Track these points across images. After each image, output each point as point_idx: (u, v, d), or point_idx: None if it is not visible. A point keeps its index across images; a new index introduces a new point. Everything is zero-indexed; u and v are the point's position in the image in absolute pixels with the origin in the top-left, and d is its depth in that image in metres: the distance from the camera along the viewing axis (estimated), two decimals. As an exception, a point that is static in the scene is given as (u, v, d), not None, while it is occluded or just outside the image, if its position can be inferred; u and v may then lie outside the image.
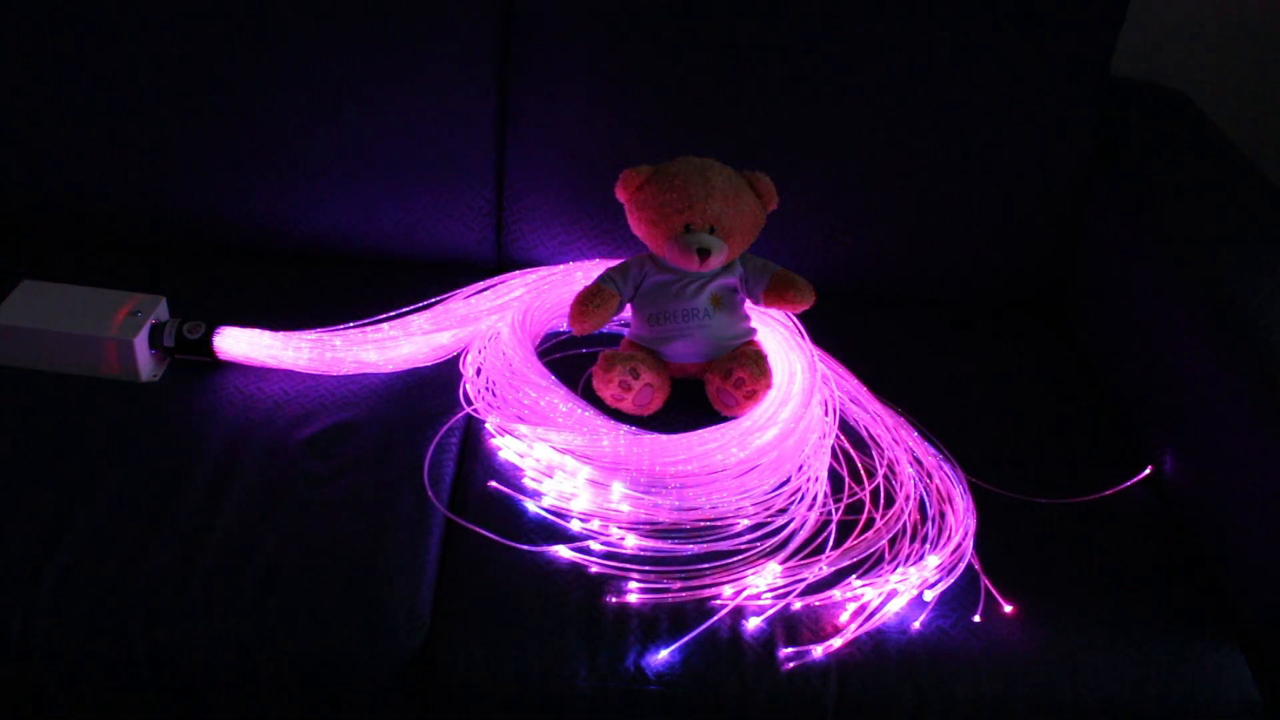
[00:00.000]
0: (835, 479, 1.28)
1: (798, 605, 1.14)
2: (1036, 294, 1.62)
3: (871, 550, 1.20)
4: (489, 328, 1.43)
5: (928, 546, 1.21)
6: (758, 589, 1.14)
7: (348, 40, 1.44)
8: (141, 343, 1.32)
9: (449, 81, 1.47)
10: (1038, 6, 1.46)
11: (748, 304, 1.39)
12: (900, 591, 1.15)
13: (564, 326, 1.45)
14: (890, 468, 1.30)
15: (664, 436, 1.28)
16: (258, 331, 1.36)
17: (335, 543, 1.16)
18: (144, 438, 1.26)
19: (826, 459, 1.30)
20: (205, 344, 1.34)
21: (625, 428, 1.30)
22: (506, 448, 1.29)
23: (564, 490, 1.24)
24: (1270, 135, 1.84)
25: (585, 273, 1.48)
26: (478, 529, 1.20)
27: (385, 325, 1.40)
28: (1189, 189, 1.48)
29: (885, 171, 1.52)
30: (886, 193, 1.53)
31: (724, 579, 1.15)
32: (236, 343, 1.35)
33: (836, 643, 1.11)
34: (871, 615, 1.13)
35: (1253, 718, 1.13)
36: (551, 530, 1.20)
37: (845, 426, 1.36)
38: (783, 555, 1.19)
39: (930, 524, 1.24)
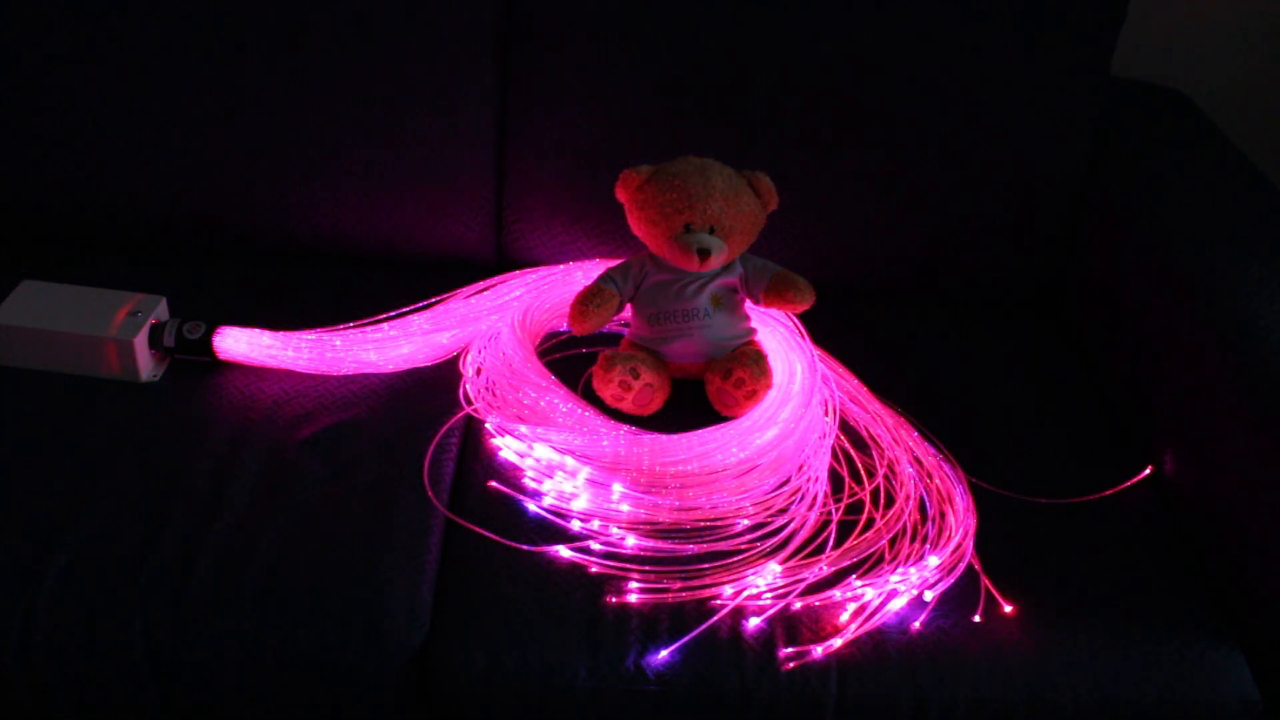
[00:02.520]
0: (835, 479, 1.28)
1: (798, 605, 1.14)
2: (1036, 294, 1.62)
3: (871, 550, 1.20)
4: (489, 328, 1.43)
5: (928, 546, 1.21)
6: (758, 589, 1.15)
7: (348, 41, 1.44)
8: (141, 343, 1.32)
9: (449, 82, 1.47)
10: (1038, 6, 1.46)
11: (748, 304, 1.39)
12: (900, 591, 1.15)
13: (564, 326, 1.45)
14: (890, 468, 1.30)
15: (664, 436, 1.28)
16: (258, 331, 1.36)
17: (335, 543, 1.16)
18: (144, 438, 1.26)
19: (826, 459, 1.30)
20: (205, 344, 1.34)
21: (625, 428, 1.30)
22: (506, 448, 1.29)
23: (564, 490, 1.24)
24: (1270, 135, 1.84)
25: (585, 273, 1.48)
26: (478, 529, 1.20)
27: (385, 325, 1.40)
28: (1189, 189, 1.48)
29: (885, 171, 1.52)
30: (886, 193, 1.53)
31: (724, 579, 1.15)
32: (236, 343, 1.35)
33: (836, 643, 1.11)
34: (871, 615, 1.13)
35: (1253, 718, 1.13)
36: (551, 530, 1.20)
37: (845, 426, 1.36)
38: (783, 555, 1.19)
39: (930, 524, 1.24)
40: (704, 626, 1.11)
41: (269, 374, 1.36)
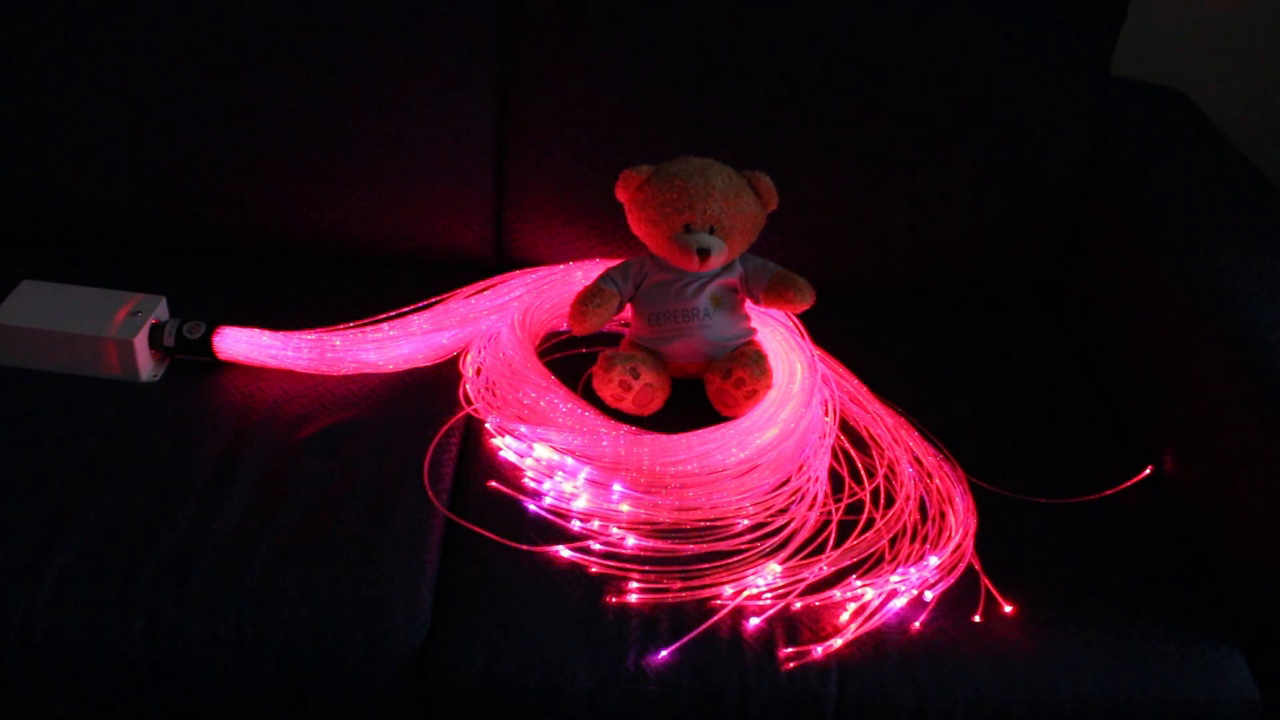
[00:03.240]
0: (835, 479, 1.28)
1: (798, 605, 1.14)
2: (1036, 294, 1.62)
3: (872, 550, 1.20)
4: (489, 328, 1.43)
5: (928, 546, 1.21)
6: (758, 589, 1.15)
7: (348, 40, 1.44)
8: (141, 343, 1.32)
9: (449, 81, 1.47)
10: (1038, 6, 1.46)
11: (748, 304, 1.39)
12: (900, 591, 1.15)
13: (564, 326, 1.45)
14: (890, 468, 1.30)
15: (664, 436, 1.28)
16: (258, 331, 1.36)
17: (335, 543, 1.16)
18: (144, 438, 1.26)
19: (826, 459, 1.30)
20: (205, 344, 1.34)
21: (625, 428, 1.30)
22: (506, 448, 1.29)
23: (564, 490, 1.24)
24: (1270, 135, 1.84)
25: (585, 273, 1.48)
26: (478, 529, 1.20)
27: (385, 325, 1.40)
28: (1189, 189, 1.48)
29: (885, 171, 1.52)
30: (886, 193, 1.53)
31: (724, 579, 1.15)
32: (236, 343, 1.35)
33: (836, 643, 1.11)
34: (871, 615, 1.13)
35: (1253, 718, 1.13)
36: (551, 530, 1.20)
37: (845, 426, 1.36)
38: (783, 555, 1.19)
39: (930, 524, 1.24)
40: (704, 626, 1.11)
41: (269, 374, 1.35)
